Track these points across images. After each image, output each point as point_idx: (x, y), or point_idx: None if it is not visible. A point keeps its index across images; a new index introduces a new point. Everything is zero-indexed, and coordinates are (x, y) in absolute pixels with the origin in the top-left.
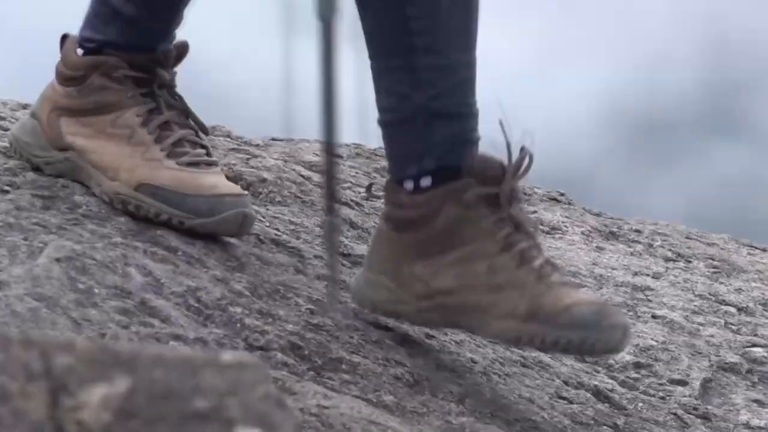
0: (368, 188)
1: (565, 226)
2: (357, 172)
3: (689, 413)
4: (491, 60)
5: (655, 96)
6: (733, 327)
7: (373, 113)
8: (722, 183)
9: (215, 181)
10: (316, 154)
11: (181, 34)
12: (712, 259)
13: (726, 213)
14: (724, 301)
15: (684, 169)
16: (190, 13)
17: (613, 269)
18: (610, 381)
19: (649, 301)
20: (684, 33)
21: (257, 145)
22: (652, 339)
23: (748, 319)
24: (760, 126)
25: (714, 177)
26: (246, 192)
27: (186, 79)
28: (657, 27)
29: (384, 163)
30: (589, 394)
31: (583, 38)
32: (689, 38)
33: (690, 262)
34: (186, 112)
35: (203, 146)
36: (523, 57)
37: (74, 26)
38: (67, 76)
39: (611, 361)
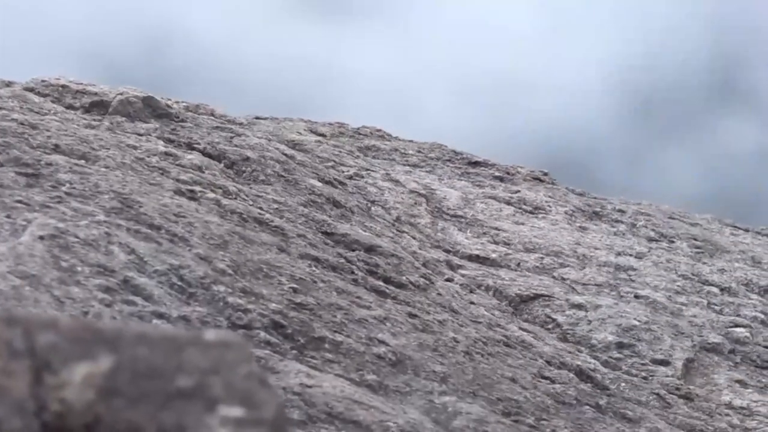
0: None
1: (549, 206)
2: (340, 151)
3: (672, 393)
4: (501, 23)
5: (663, 68)
6: (716, 307)
7: (357, 90)
8: (729, 155)
9: None
10: (300, 133)
11: (171, 15)
12: (695, 240)
13: (732, 186)
14: (707, 281)
15: (691, 141)
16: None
17: (596, 249)
18: (593, 361)
19: (632, 281)
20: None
21: (241, 124)
22: (635, 319)
23: (731, 299)
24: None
25: (720, 149)
26: None
27: (170, 57)
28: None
29: (368, 141)
30: (571, 374)
31: (593, 8)
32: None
33: (673, 242)
34: None
35: None
36: (532, 21)
37: (58, 5)
38: None
39: (594, 341)
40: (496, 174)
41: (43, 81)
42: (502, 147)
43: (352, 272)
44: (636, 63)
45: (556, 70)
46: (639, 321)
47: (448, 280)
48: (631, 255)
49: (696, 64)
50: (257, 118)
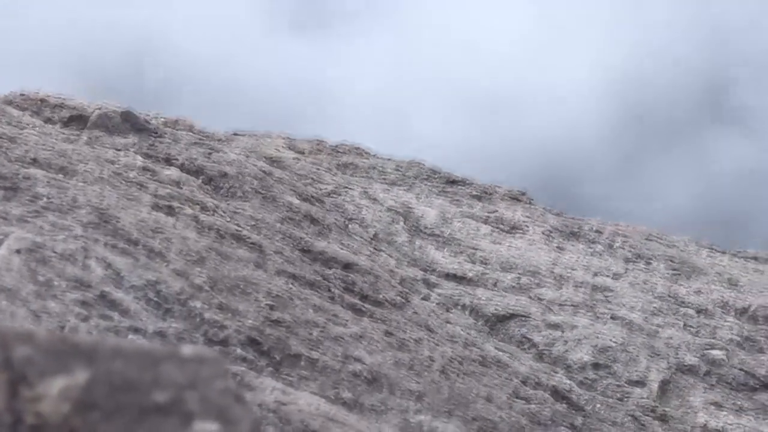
0: None
1: (526, 226)
2: (319, 168)
3: (647, 414)
4: (493, 39)
5: (655, 86)
6: (692, 329)
7: (338, 106)
8: (719, 172)
9: None
10: (279, 150)
11: (166, 30)
12: (672, 261)
13: (719, 203)
14: (683, 302)
15: (681, 156)
16: (175, 12)
17: (573, 269)
18: (569, 381)
19: (609, 301)
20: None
21: (219, 140)
22: (611, 340)
23: (707, 321)
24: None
25: (711, 166)
26: None
27: (155, 72)
28: (657, 15)
29: (346, 158)
30: (547, 394)
31: (581, 22)
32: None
33: (650, 263)
34: None
35: None
36: (519, 39)
37: (39, 20)
38: None
39: (570, 362)
40: (474, 193)
41: (22, 94)
42: (492, 161)
43: (329, 289)
44: (629, 79)
45: (549, 86)
46: (615, 342)
47: (424, 298)
48: (608, 275)
49: (689, 81)
50: (236, 134)
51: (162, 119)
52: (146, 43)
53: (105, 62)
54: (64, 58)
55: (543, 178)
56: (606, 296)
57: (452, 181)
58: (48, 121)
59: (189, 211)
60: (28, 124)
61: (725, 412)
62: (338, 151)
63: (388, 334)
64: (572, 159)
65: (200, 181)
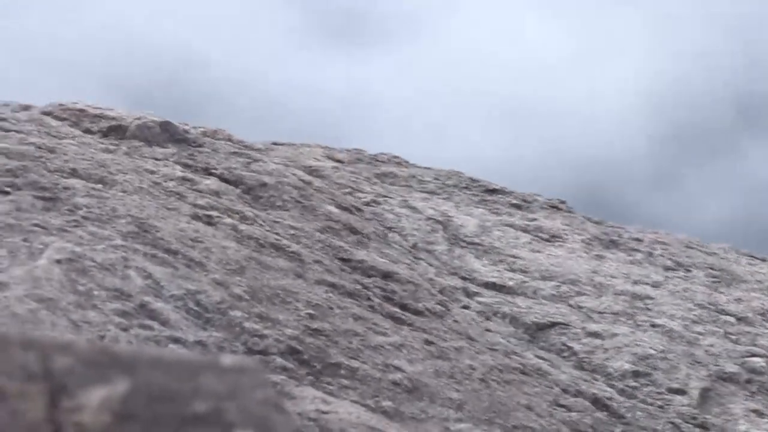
0: None
1: (566, 234)
2: (358, 178)
3: (687, 422)
4: (529, 50)
5: (693, 97)
6: (733, 337)
7: (375, 118)
8: (758, 182)
9: None
10: (317, 159)
11: (198, 42)
12: (712, 269)
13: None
14: (723, 310)
15: (720, 168)
16: (213, 26)
17: (613, 278)
18: (609, 389)
19: (649, 310)
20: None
21: (258, 149)
22: (651, 348)
23: (748, 329)
24: None
25: (750, 177)
26: None
27: (191, 82)
28: (692, 26)
29: (385, 168)
30: (587, 402)
31: (619, 34)
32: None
33: (690, 271)
34: None
35: None
36: (558, 52)
37: (79, 32)
38: None
39: (610, 370)
40: (513, 202)
41: (60, 105)
42: (529, 173)
43: (369, 298)
44: (667, 91)
45: (586, 98)
46: (655, 350)
47: (464, 307)
48: (647, 284)
49: (727, 93)
50: (275, 143)
51: (201, 130)
52: (185, 56)
53: (145, 75)
54: (104, 70)
55: (581, 189)
56: (646, 304)
57: (491, 191)
58: (87, 131)
59: (228, 220)
60: (66, 135)
61: (766, 420)
62: (377, 161)
63: (428, 343)
64: (610, 171)
65: (239, 190)
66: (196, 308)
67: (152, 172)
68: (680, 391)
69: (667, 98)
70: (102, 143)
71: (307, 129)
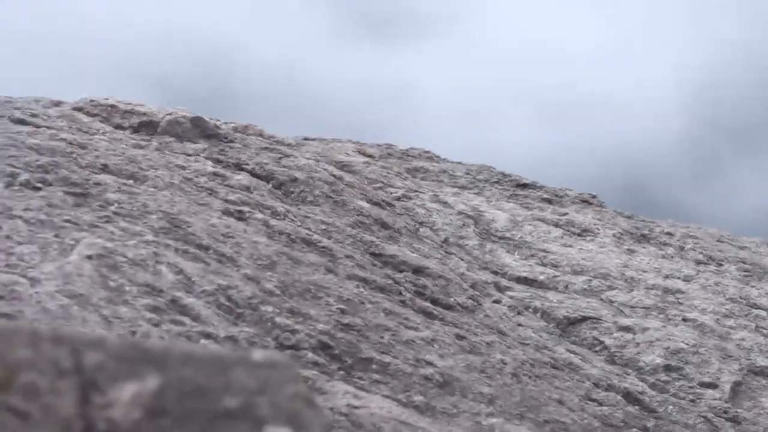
0: None
1: (597, 229)
2: (389, 173)
3: (719, 416)
4: (566, 39)
5: (733, 87)
6: (764, 331)
7: (410, 111)
8: None
9: None
10: (348, 154)
11: (226, 36)
12: (744, 263)
13: None
14: (755, 304)
15: (761, 159)
16: (246, 20)
17: (644, 272)
18: (641, 383)
19: (680, 303)
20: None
21: (289, 145)
22: (682, 342)
23: None
24: None
25: None
26: None
27: (222, 78)
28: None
29: (416, 163)
30: (619, 396)
31: (657, 25)
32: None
33: (721, 265)
34: None
35: None
36: (595, 43)
37: (104, 29)
38: None
39: (641, 364)
40: (545, 196)
41: (91, 101)
42: (566, 165)
43: (400, 293)
44: (706, 81)
45: (624, 90)
46: (687, 344)
47: (495, 301)
48: (679, 278)
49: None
50: (306, 138)
51: (232, 125)
52: (218, 50)
53: (177, 70)
54: (136, 66)
55: (619, 181)
56: (677, 298)
57: (522, 185)
58: (118, 127)
59: (259, 216)
60: (98, 131)
61: None
62: (408, 156)
63: (459, 337)
64: (648, 162)
65: (270, 186)
66: (227, 303)
67: (183, 168)
68: (712, 385)
69: (707, 89)
70: (133, 139)
71: (341, 122)
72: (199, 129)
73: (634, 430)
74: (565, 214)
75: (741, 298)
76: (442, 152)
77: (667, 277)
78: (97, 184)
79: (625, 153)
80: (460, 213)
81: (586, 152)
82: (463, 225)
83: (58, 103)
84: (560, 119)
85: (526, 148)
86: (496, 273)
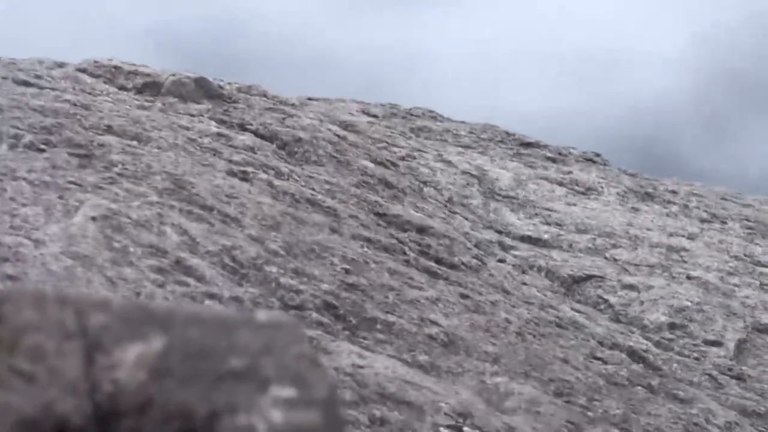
0: None
1: (601, 187)
2: (392, 132)
3: (724, 374)
4: (576, 4)
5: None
6: None
7: (413, 73)
8: None
9: None
10: (352, 114)
11: (245, 1)
12: (748, 220)
13: None
14: (759, 262)
15: None
16: None
17: (649, 230)
18: (645, 342)
19: (684, 262)
20: None
21: (293, 105)
22: (687, 300)
23: None
24: None
25: None
26: None
27: (226, 38)
28: None
29: (420, 122)
30: (623, 355)
31: None
32: None
33: (725, 223)
34: None
35: None
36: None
37: None
38: None
39: (646, 322)
40: (549, 155)
41: (95, 62)
42: (579, 124)
43: (404, 253)
44: (720, 35)
45: (635, 46)
46: (691, 302)
47: (500, 260)
48: (683, 236)
49: None
50: (309, 98)
51: (236, 85)
52: (230, 13)
53: (188, 33)
54: (145, 28)
55: (631, 141)
56: (681, 257)
57: (526, 144)
58: (122, 88)
59: (263, 176)
60: (101, 92)
61: None
62: (412, 115)
63: (463, 296)
64: (662, 120)
65: (274, 146)
66: (231, 264)
67: (187, 129)
68: (716, 343)
69: (720, 45)
70: (137, 100)
71: (353, 86)
72: (203, 90)
73: (639, 388)
74: (569, 172)
75: (745, 255)
76: (458, 113)
77: (671, 235)
78: (101, 145)
79: (637, 112)
80: (464, 172)
81: (598, 112)
82: (467, 184)
83: (62, 65)
84: (573, 79)
85: (538, 109)
86: (500, 232)
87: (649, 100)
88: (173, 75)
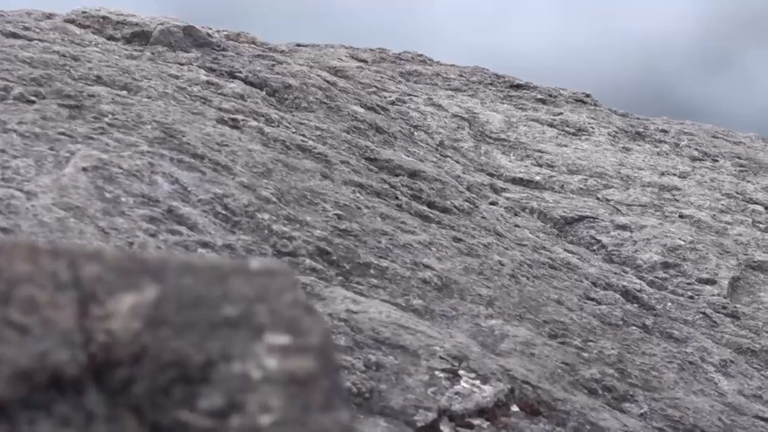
0: None
1: (591, 128)
2: (382, 77)
3: (718, 312)
4: None
5: None
6: (761, 225)
7: (400, 19)
8: None
9: None
10: (341, 60)
11: None
12: (739, 158)
13: None
14: (751, 199)
15: None
16: None
17: (640, 169)
18: (639, 281)
19: (676, 200)
20: None
21: (282, 51)
22: (680, 239)
23: None
24: None
25: None
26: None
27: None
28: None
29: (410, 66)
30: (617, 295)
31: None
32: None
33: (716, 161)
34: None
35: None
36: None
37: None
38: None
39: (639, 262)
40: (539, 97)
41: (83, 12)
42: (577, 61)
43: (396, 198)
44: None
45: None
46: (684, 240)
47: (492, 203)
48: (674, 175)
49: None
50: (298, 45)
51: (224, 33)
52: None
53: None
54: None
55: (633, 76)
56: (673, 195)
57: (516, 86)
58: (110, 38)
59: (254, 123)
60: (90, 42)
61: None
62: (401, 59)
63: (456, 240)
64: (666, 54)
65: (264, 93)
66: (223, 212)
67: (176, 77)
68: (710, 281)
69: None
70: (126, 49)
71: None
72: (192, 38)
73: (633, 327)
74: (560, 113)
75: (737, 193)
76: (462, 56)
77: (662, 174)
78: (91, 95)
79: (639, 47)
80: (454, 116)
81: (599, 48)
82: (458, 127)
83: (50, 16)
84: (576, 13)
85: (540, 45)
86: (491, 175)
87: (651, 34)
88: (161, 24)
